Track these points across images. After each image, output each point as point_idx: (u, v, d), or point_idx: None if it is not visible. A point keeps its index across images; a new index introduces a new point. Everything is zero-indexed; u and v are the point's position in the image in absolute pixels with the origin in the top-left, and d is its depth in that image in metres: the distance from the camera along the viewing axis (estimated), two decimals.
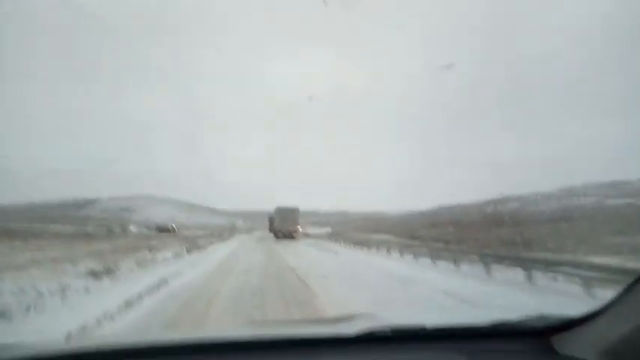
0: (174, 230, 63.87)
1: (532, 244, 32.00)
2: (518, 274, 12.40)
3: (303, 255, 22.87)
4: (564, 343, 1.60)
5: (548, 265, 11.21)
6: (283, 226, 46.30)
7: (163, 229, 62.88)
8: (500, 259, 13.44)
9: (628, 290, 1.42)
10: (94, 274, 10.77)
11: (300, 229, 49.88)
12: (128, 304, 7.64)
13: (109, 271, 11.50)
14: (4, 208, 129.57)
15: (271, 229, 60.45)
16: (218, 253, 23.63)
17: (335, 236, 49.46)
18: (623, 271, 8.49)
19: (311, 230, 65.31)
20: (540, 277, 11.18)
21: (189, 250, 22.70)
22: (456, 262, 15.55)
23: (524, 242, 34.47)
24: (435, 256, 17.75)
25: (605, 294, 7.67)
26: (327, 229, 78.71)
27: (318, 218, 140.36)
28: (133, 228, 61.84)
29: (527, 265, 11.61)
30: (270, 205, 59.57)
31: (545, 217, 72.85)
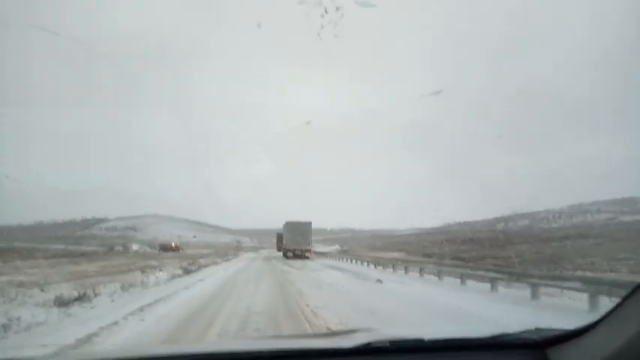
0: (178, 249, 62.02)
1: (561, 262, 29.63)
2: (575, 297, 10.34)
3: (332, 285, 14.68)
4: (561, 356, 1.62)
5: (613, 288, 9.04)
6: (294, 243, 40.03)
7: (167, 248, 61.09)
8: (550, 280, 11.34)
9: (623, 303, 1.43)
10: (62, 303, 8.83)
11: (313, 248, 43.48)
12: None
13: (82, 299, 9.56)
14: (11, 228, 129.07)
15: (279, 247, 54.59)
16: (212, 278, 17.69)
17: (347, 255, 44.30)
18: None
19: (320, 248, 62.52)
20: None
21: (187, 272, 20.71)
22: (493, 284, 13.36)
23: (553, 260, 32.07)
24: (457, 275, 16.03)
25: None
26: (336, 247, 76.46)
27: (325, 236, 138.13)
28: (135, 246, 59.98)
29: (585, 287, 9.47)
30: (275, 224, 57.15)
31: (562, 234, 70.63)
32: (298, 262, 31.52)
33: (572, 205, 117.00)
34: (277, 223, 51.47)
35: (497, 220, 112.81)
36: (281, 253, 49.24)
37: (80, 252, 38.44)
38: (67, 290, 10.33)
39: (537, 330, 1.82)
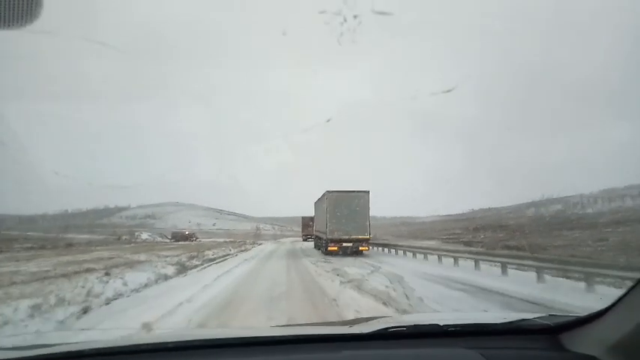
0: (191, 237, 57.81)
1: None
2: None
3: None
4: (574, 341, 1.61)
5: None
6: (341, 229, 22.61)
7: (179, 237, 56.88)
8: None
9: (635, 287, 1.41)
10: None
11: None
12: None
13: None
14: (33, 217, 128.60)
15: (306, 234, 41.52)
16: (202, 297, 12.63)
17: (380, 244, 29.34)
18: None
19: None
20: None
21: (182, 270, 15.90)
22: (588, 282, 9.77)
23: (631, 248, 26.33)
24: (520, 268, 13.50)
25: None
26: None
27: None
28: (144, 235, 56.24)
29: None
30: (296, 211, 51.85)
31: (609, 219, 63.99)
32: (348, 263, 17.46)
33: (604, 189, 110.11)
34: (297, 211, 46.14)
35: (527, 205, 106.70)
36: (310, 244, 36.61)
37: (66, 242, 33.79)
38: None
39: (551, 316, 1.87)
